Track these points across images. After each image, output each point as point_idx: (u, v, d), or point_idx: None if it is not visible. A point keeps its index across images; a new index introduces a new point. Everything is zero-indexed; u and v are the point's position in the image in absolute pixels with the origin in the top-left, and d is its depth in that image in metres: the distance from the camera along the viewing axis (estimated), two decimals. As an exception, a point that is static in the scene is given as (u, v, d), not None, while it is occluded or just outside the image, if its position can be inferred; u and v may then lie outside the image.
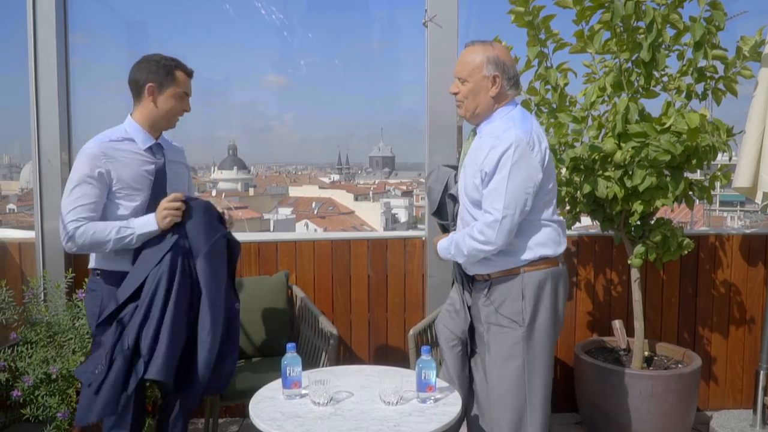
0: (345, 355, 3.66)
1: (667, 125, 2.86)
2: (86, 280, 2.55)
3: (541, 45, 3.02)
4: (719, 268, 3.69)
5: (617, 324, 3.38)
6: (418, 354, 2.33)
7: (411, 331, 2.81)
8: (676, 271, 3.68)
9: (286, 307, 3.32)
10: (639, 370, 3.10)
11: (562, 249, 2.36)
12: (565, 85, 3.07)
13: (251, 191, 48.58)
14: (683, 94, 2.99)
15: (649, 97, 3.00)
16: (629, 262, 3.17)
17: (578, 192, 3.09)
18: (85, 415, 2.27)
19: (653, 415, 2.99)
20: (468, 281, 2.50)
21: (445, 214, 2.59)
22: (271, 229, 31.99)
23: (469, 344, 2.53)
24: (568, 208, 3.22)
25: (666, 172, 2.96)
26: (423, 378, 2.16)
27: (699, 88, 2.99)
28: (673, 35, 2.92)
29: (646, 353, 3.30)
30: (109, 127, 2.47)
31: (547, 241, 2.30)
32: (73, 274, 3.27)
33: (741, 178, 3.22)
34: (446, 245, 2.41)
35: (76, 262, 3.37)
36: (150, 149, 2.45)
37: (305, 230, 30.70)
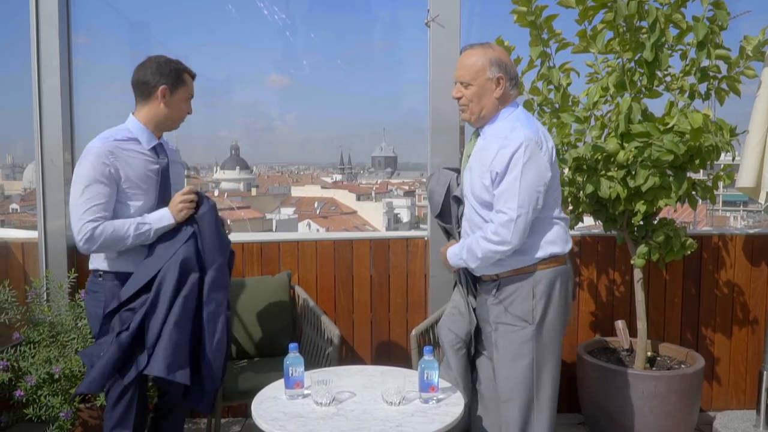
0: (347, 355, 3.66)
1: (670, 125, 2.85)
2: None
3: (544, 45, 3.01)
4: (722, 269, 3.68)
5: (620, 324, 3.37)
6: (421, 354, 2.33)
7: (413, 332, 2.81)
8: (679, 272, 3.67)
9: (289, 307, 3.32)
10: (642, 370, 3.09)
11: (569, 247, 2.37)
12: (568, 85, 3.06)
13: (254, 191, 48.64)
14: (686, 94, 2.98)
15: (652, 97, 2.99)
16: (632, 262, 3.16)
17: (581, 192, 3.09)
18: (78, 387, 2.31)
19: (656, 415, 2.98)
20: (473, 283, 2.50)
21: (448, 217, 2.58)
22: (274, 229, 32.03)
23: (473, 345, 2.53)
24: (570, 208, 3.22)
25: (669, 172, 2.95)
26: (425, 378, 2.16)
27: (702, 87, 2.98)
28: (676, 35, 2.91)
29: (649, 354, 3.29)
30: (112, 126, 2.46)
31: (556, 239, 2.32)
32: (76, 274, 3.28)
33: (744, 178, 3.21)
34: (456, 252, 2.39)
35: (78, 262, 3.38)
36: (153, 149, 2.46)
37: (307, 230, 30.71)
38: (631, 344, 3.35)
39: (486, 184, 2.27)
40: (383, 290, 3.68)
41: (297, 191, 46.48)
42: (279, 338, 3.22)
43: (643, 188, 2.86)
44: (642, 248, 3.09)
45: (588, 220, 3.37)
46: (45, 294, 3.25)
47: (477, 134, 2.42)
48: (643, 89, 2.95)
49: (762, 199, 3.23)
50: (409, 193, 46.58)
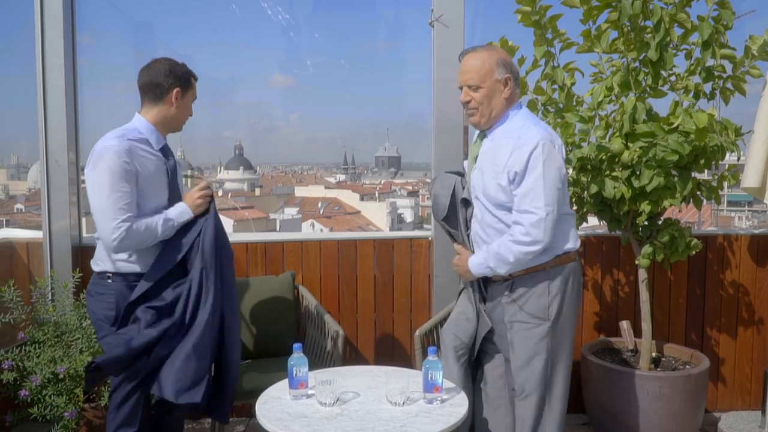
0: (351, 355, 3.66)
1: (675, 125, 2.84)
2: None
3: (548, 45, 3.01)
4: (727, 269, 3.67)
5: (625, 325, 3.37)
6: (425, 354, 2.33)
7: (417, 332, 2.81)
8: (683, 272, 3.66)
9: (293, 307, 3.32)
10: (647, 371, 3.08)
11: (579, 243, 2.40)
12: (572, 84, 3.06)
13: (257, 191, 48.67)
14: (691, 94, 2.98)
15: (657, 97, 2.98)
16: (637, 262, 3.15)
17: (585, 192, 3.08)
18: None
19: (661, 416, 2.98)
20: (483, 286, 2.48)
21: (454, 220, 2.55)
22: (278, 229, 32.05)
23: (478, 348, 2.52)
24: (575, 208, 3.21)
25: (674, 172, 2.94)
26: (429, 379, 2.16)
27: (707, 87, 2.97)
28: (680, 34, 2.90)
29: (654, 354, 3.28)
30: (116, 127, 2.45)
31: (569, 236, 2.34)
32: (81, 274, 3.28)
33: (749, 178, 3.20)
34: (481, 261, 2.35)
35: (83, 262, 3.38)
36: (161, 150, 2.47)
37: (311, 230, 30.72)
38: (635, 345, 3.34)
39: (502, 185, 2.26)
40: (387, 290, 3.68)
41: (301, 191, 46.50)
42: (283, 338, 3.22)
43: (648, 188, 2.85)
44: (647, 248, 3.08)
45: (592, 221, 3.36)
46: (50, 294, 3.25)
47: (483, 136, 2.42)
48: (648, 89, 2.95)
49: (767, 200, 3.22)
50: (413, 193, 46.53)
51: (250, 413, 3.58)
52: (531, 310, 2.32)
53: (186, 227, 2.46)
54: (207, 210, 2.50)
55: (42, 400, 2.93)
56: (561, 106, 3.08)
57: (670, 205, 2.97)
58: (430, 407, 2.14)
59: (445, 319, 2.96)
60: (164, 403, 2.60)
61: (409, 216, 40.06)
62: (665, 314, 3.66)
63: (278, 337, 3.23)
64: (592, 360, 3.17)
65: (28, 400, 2.91)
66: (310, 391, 2.23)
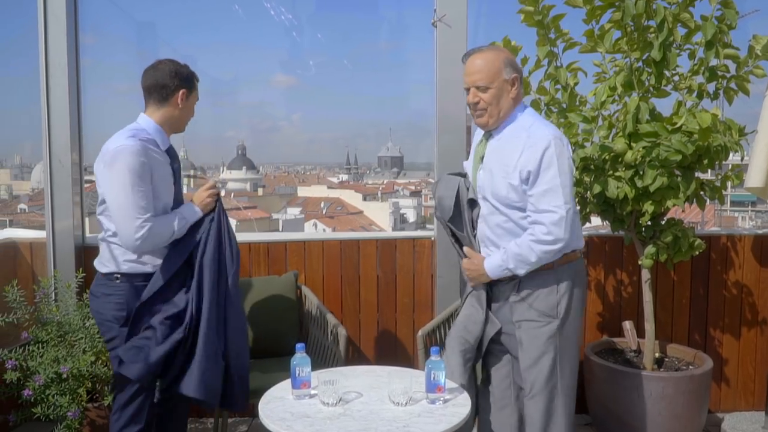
0: (354, 355, 3.66)
1: (678, 125, 2.84)
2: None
3: (551, 44, 3.01)
4: (731, 269, 3.66)
5: (628, 325, 3.36)
6: (427, 354, 2.32)
7: (420, 332, 2.80)
8: (687, 272, 3.65)
9: (296, 307, 3.32)
10: (650, 371, 3.07)
11: (583, 241, 2.41)
12: (575, 84, 3.06)
13: (260, 191, 48.70)
14: (694, 94, 2.97)
15: (660, 97, 2.98)
16: (640, 262, 3.15)
17: (588, 192, 3.08)
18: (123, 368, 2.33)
19: (664, 416, 2.97)
20: (488, 288, 2.46)
21: (459, 222, 2.54)
22: (280, 229, 32.05)
23: (485, 347, 2.51)
24: (578, 208, 3.21)
25: (677, 172, 2.94)
26: (432, 379, 2.16)
27: (710, 87, 2.97)
28: (684, 34, 2.89)
29: (657, 355, 3.27)
30: (119, 127, 2.46)
31: (575, 233, 2.33)
32: (84, 274, 3.29)
33: (753, 178, 3.19)
34: (499, 263, 2.32)
35: (86, 262, 3.39)
36: (167, 151, 2.49)
37: (314, 230, 30.72)
38: (638, 345, 3.34)
39: (514, 184, 2.26)
40: (390, 290, 3.68)
41: (303, 191, 46.53)
42: (286, 338, 3.22)
43: (651, 188, 2.85)
44: (650, 249, 3.08)
45: (595, 221, 3.36)
46: (53, 294, 3.26)
47: (489, 135, 2.41)
48: (651, 89, 2.94)
49: (771, 200, 3.21)
50: (416, 193, 46.52)
51: (252, 413, 3.58)
52: (540, 308, 2.32)
53: (192, 226, 2.49)
54: (213, 209, 2.53)
55: (45, 400, 2.94)
56: (564, 106, 3.08)
57: (674, 205, 2.97)
58: (432, 407, 2.14)
59: (447, 319, 2.96)
60: (168, 401, 2.61)
61: (411, 216, 40.05)
62: (668, 314, 3.66)
63: (281, 337, 3.23)
64: (595, 360, 3.16)
65: (32, 399, 2.92)
66: (312, 391, 2.23)
